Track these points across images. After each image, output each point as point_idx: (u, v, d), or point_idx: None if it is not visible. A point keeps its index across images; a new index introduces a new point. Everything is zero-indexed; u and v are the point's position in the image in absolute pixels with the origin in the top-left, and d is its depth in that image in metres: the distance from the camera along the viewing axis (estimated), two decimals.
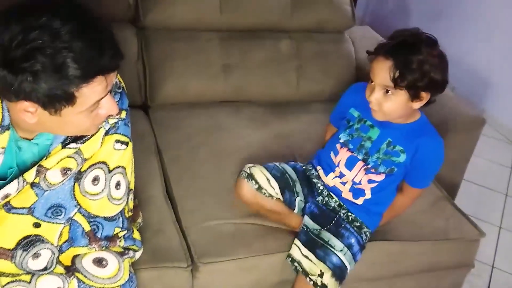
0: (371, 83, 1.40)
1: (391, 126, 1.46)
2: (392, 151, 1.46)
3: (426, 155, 1.45)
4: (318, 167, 1.59)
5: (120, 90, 1.21)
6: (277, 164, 1.60)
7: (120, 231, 1.26)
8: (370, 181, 1.50)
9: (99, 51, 0.96)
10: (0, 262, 1.13)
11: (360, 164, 1.50)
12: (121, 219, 1.26)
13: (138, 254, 1.33)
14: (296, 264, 1.50)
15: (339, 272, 1.45)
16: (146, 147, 1.77)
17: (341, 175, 1.53)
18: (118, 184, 1.23)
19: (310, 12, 2.19)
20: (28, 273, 1.16)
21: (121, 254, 1.25)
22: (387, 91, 1.36)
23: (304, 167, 1.62)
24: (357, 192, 1.53)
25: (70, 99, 0.98)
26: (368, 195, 1.52)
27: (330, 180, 1.56)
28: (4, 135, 1.08)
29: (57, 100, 0.97)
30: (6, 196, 1.13)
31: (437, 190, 1.83)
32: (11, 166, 1.15)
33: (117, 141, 1.21)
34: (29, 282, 1.15)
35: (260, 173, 1.54)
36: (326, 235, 1.49)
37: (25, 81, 0.93)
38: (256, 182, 1.53)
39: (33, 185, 1.14)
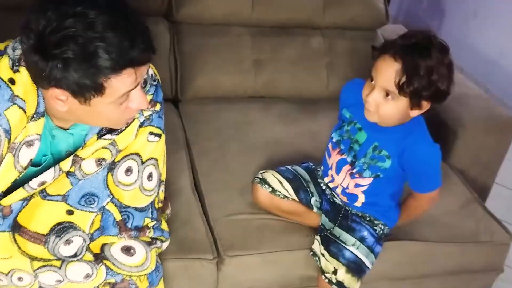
0: (370, 81, 1.29)
1: (379, 130, 1.38)
2: (378, 156, 1.40)
3: (414, 160, 1.36)
4: (322, 167, 1.58)
5: (155, 83, 1.23)
6: (289, 167, 1.59)
7: (150, 222, 1.28)
8: (357, 185, 1.45)
9: (131, 43, 0.97)
10: (34, 246, 1.16)
11: (346, 168, 1.46)
12: (151, 209, 1.28)
13: (165, 245, 1.35)
14: (316, 258, 1.50)
15: (355, 267, 1.43)
16: (175, 140, 1.79)
17: (332, 179, 1.51)
18: (150, 176, 1.25)
19: (342, 9, 2.18)
20: (58, 259, 1.19)
21: (149, 243, 1.27)
22: (387, 94, 1.26)
23: (313, 167, 1.61)
24: (350, 196, 1.49)
25: (98, 89, 0.99)
26: (362, 199, 1.48)
27: (327, 183, 1.55)
28: (39, 121, 1.10)
29: (86, 89, 0.99)
30: (42, 183, 1.16)
31: (467, 192, 1.80)
32: (45, 153, 1.18)
33: (151, 133, 1.23)
34: (60, 268, 1.18)
35: (272, 177, 1.55)
36: (338, 231, 1.48)
37: (55, 67, 0.95)
38: (269, 185, 1.54)
39: (68, 174, 1.17)
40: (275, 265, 1.52)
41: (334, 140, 1.50)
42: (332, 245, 1.47)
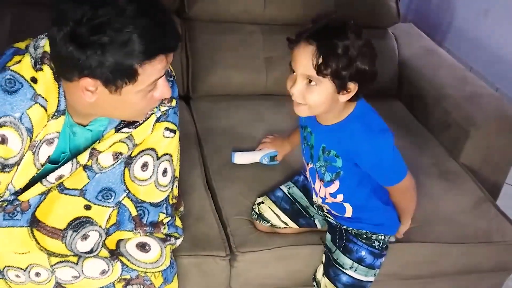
0: (292, 73, 1.23)
1: (322, 129, 1.31)
2: (329, 157, 1.32)
3: (365, 159, 1.28)
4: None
5: (171, 79, 1.24)
6: (285, 190, 1.55)
7: (164, 218, 1.29)
8: (332, 195, 1.38)
9: (163, 30, 1.01)
10: (52, 241, 1.17)
11: (317, 176, 1.39)
12: (165, 205, 1.29)
13: (178, 242, 1.36)
14: (314, 283, 1.50)
15: None
16: (187, 137, 1.80)
17: (316, 194, 1.44)
18: (165, 171, 1.26)
19: (354, 8, 2.17)
20: (75, 254, 1.20)
21: (164, 240, 1.28)
22: (310, 81, 1.19)
23: (307, 182, 1.53)
24: (337, 208, 1.41)
25: (132, 76, 1.01)
26: (348, 207, 1.40)
27: (316, 202, 1.48)
28: (60, 120, 1.12)
29: (120, 75, 1.01)
30: (60, 177, 1.17)
31: (479, 191, 1.80)
32: (64, 150, 1.19)
33: (167, 128, 1.24)
34: (76, 264, 1.20)
35: (269, 211, 1.52)
36: (336, 253, 1.44)
37: (93, 54, 0.97)
38: (267, 221, 1.52)
39: (85, 167, 1.18)
40: (287, 261, 1.52)
41: (303, 151, 1.44)
42: (331, 268, 1.45)
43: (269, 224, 1.52)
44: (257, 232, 1.53)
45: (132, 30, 0.97)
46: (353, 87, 1.20)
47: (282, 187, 1.58)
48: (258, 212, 1.54)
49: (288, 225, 1.53)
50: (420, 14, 3.80)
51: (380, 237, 1.43)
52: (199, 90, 2.05)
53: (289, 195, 1.55)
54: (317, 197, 1.45)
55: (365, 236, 1.43)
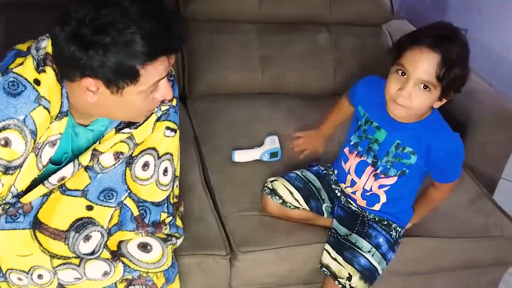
0: (400, 75, 1.26)
1: (398, 127, 1.37)
2: (402, 154, 1.39)
3: (442, 154, 1.36)
4: (336, 171, 1.56)
5: (172, 78, 1.24)
6: (298, 173, 1.57)
7: (166, 217, 1.29)
8: (381, 186, 1.44)
9: (166, 31, 1.00)
10: (55, 243, 1.17)
11: (369, 169, 1.44)
12: (166, 204, 1.29)
13: (179, 241, 1.36)
14: (324, 269, 1.50)
15: (368, 274, 1.44)
16: (184, 137, 1.78)
17: (352, 184, 1.48)
18: (165, 171, 1.26)
19: (348, 5, 2.18)
20: (77, 256, 1.20)
21: (165, 240, 1.28)
22: (425, 87, 1.25)
23: (325, 172, 1.59)
24: (371, 198, 1.47)
25: (134, 77, 1.01)
26: (383, 199, 1.47)
27: (344, 189, 1.53)
28: (62, 121, 1.11)
29: (122, 76, 1.00)
30: (62, 179, 1.17)
31: (476, 186, 1.81)
32: (66, 151, 1.19)
33: (168, 128, 1.24)
34: (79, 266, 1.19)
35: (282, 187, 1.53)
36: (354, 237, 1.47)
37: (95, 54, 0.97)
38: (280, 197, 1.53)
39: (87, 168, 1.18)
40: (287, 260, 1.52)
41: (352, 143, 1.47)
42: (347, 251, 1.46)
43: (281, 201, 1.52)
44: (257, 230, 1.53)
45: (135, 30, 0.96)
46: (451, 95, 1.30)
47: (295, 171, 1.59)
48: (271, 187, 1.54)
49: (299, 205, 1.53)
50: (413, 11, 3.82)
51: (398, 228, 1.49)
52: (195, 90, 2.05)
53: (302, 176, 1.57)
54: (351, 187, 1.49)
55: (385, 223, 1.49)
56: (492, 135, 1.94)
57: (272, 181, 1.56)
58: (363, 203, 1.50)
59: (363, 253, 1.45)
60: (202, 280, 1.46)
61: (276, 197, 1.53)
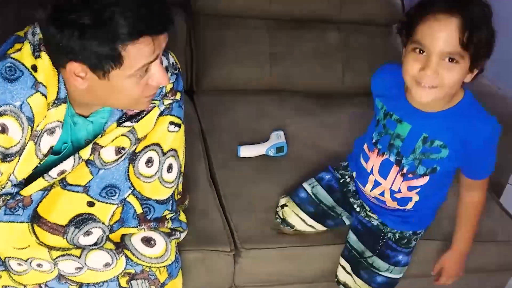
0: (419, 53, 1.08)
1: (424, 117, 1.18)
2: (431, 148, 1.20)
3: (480, 145, 1.18)
4: (354, 173, 1.42)
5: (176, 71, 1.22)
6: (309, 190, 1.46)
7: (168, 213, 1.28)
8: (411, 188, 1.28)
9: (147, 10, 0.95)
10: (53, 237, 1.16)
11: (395, 169, 1.27)
12: (171, 201, 1.27)
13: (183, 236, 1.34)
14: (341, 286, 1.46)
15: (387, 286, 1.41)
16: (191, 132, 1.77)
17: (376, 184, 1.32)
18: (170, 167, 1.24)
19: (359, 4, 2.16)
20: (78, 247, 1.19)
21: (169, 235, 1.27)
22: (451, 60, 1.06)
23: (341, 180, 1.46)
24: (401, 200, 1.33)
25: (117, 59, 0.97)
26: (416, 198, 1.32)
27: (369, 192, 1.35)
28: (61, 108, 1.09)
29: (104, 59, 0.97)
30: (62, 172, 1.15)
31: None
32: (65, 141, 1.17)
33: (171, 123, 1.22)
34: (79, 257, 1.18)
35: (293, 216, 1.44)
36: (372, 258, 1.39)
37: (72, 36, 0.94)
38: (292, 226, 1.46)
39: (88, 162, 1.16)
40: (292, 259, 1.51)
41: (373, 140, 1.30)
42: (363, 269, 1.40)
43: (293, 230, 1.47)
44: (262, 227, 1.51)
45: (114, 9, 0.92)
46: (482, 64, 1.10)
47: (305, 185, 1.49)
48: (282, 217, 1.47)
49: (315, 228, 1.47)
50: None
51: (418, 235, 1.40)
52: (203, 85, 2.04)
53: (313, 196, 1.47)
54: (372, 190, 1.34)
55: (405, 241, 1.38)
56: (500, 140, 1.91)
57: (282, 205, 1.47)
58: (393, 204, 1.35)
59: (380, 272, 1.38)
60: (205, 276, 1.45)
61: (289, 227, 1.47)
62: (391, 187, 1.31)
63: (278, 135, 1.75)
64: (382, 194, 1.34)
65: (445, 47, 1.06)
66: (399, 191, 1.30)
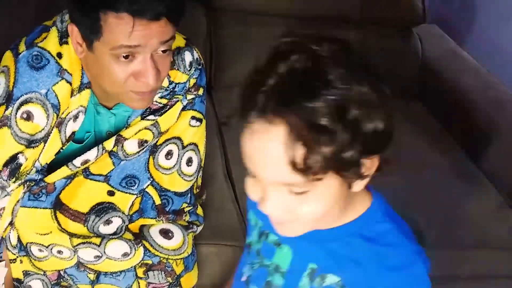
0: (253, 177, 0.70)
1: (311, 237, 0.74)
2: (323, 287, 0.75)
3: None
4: None
5: (200, 67, 1.24)
6: None
7: (186, 206, 1.29)
8: None
9: None
10: (74, 224, 1.18)
11: None
12: (189, 195, 1.29)
13: (199, 229, 1.36)
14: None
15: None
16: (208, 127, 1.75)
17: None
18: (189, 161, 1.26)
19: (380, 6, 2.16)
20: (98, 236, 1.21)
21: (186, 228, 1.29)
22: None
23: None
24: None
25: (97, 28, 0.96)
26: None
27: None
28: (84, 93, 1.11)
29: (89, 26, 0.97)
30: (85, 162, 1.17)
31: (499, 196, 1.79)
32: (88, 130, 1.20)
33: (193, 117, 1.24)
34: (99, 245, 1.20)
35: None
36: None
37: None
38: None
39: (111, 153, 1.19)
40: None
41: (243, 278, 0.87)
42: None
43: None
44: None
45: None
46: (370, 162, 0.68)
47: None
48: None
49: None
50: (440, 16, 3.78)
51: None
52: (221, 81, 2.05)
53: None
54: None
55: None
56: (510, 144, 1.91)
57: None
58: None
59: None
60: (220, 270, 1.46)
61: None
62: None
63: None
64: None
65: (273, 177, 0.68)
66: None
